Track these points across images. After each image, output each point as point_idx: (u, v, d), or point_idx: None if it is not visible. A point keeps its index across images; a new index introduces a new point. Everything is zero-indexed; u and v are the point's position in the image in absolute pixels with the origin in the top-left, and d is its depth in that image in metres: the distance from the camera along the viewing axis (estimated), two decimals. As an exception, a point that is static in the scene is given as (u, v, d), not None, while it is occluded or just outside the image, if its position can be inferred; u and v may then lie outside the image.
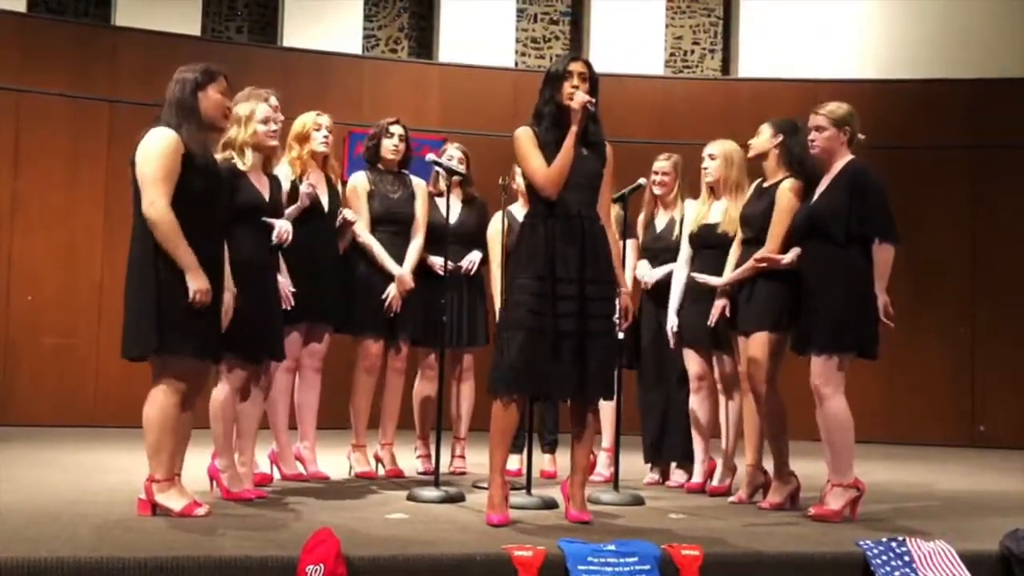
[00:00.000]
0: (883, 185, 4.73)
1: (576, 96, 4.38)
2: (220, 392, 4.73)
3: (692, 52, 11.41)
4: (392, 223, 5.87)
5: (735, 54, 11.31)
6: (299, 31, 10.38)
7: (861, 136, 4.81)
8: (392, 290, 5.76)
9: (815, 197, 4.80)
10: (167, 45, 9.51)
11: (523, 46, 11.23)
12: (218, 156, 4.73)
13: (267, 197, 4.85)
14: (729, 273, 5.23)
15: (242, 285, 4.49)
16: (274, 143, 4.90)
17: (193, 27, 10.02)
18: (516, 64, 11.04)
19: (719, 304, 5.22)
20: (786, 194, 5.04)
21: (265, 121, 4.85)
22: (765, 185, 5.24)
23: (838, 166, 4.77)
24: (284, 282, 5.17)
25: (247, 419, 4.89)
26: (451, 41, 10.78)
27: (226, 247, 4.43)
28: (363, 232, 5.80)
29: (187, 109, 4.23)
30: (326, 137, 5.62)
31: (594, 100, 4.42)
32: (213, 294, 4.17)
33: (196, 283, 4.07)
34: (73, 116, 9.26)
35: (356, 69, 10.31)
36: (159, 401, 4.14)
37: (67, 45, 9.36)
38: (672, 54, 11.37)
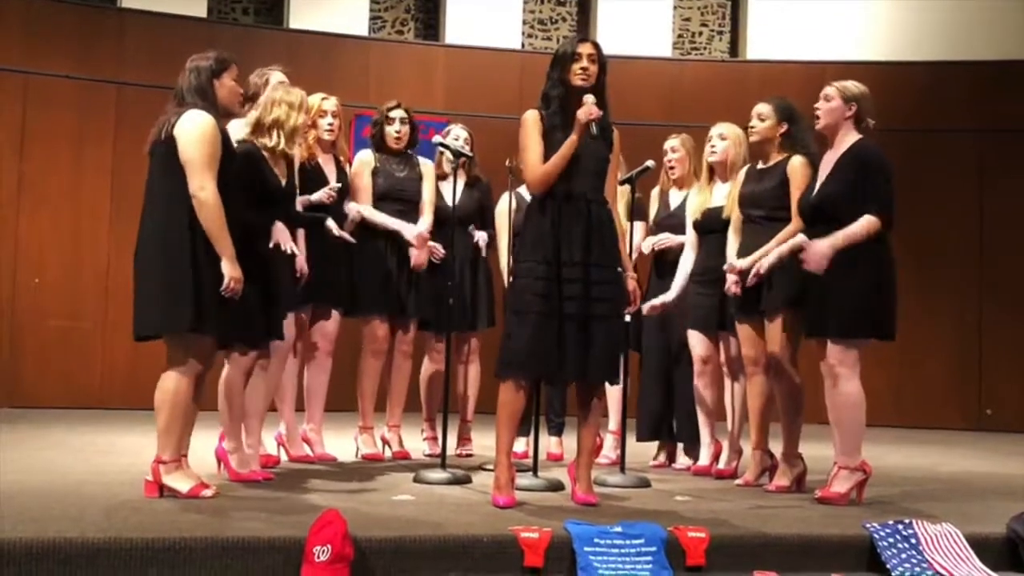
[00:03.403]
0: (890, 167, 4.67)
1: (584, 107, 4.34)
2: (230, 375, 4.74)
3: (700, 34, 11.37)
4: (396, 201, 5.84)
5: (743, 36, 11.27)
6: (305, 13, 10.36)
7: (871, 121, 4.76)
8: (415, 252, 5.74)
9: (821, 180, 4.76)
10: (173, 27, 9.51)
11: (530, 27, 11.19)
12: (251, 137, 4.75)
13: (283, 183, 4.87)
14: (734, 251, 5.20)
15: (250, 269, 4.50)
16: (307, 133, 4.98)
17: (199, 9, 10.01)
18: (523, 46, 11.01)
19: (733, 281, 5.15)
20: (800, 170, 5.01)
21: (307, 111, 4.94)
22: (763, 166, 5.20)
23: (844, 144, 4.71)
24: (300, 260, 5.16)
25: (255, 401, 4.90)
26: (458, 23, 10.74)
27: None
28: (366, 208, 5.79)
29: (206, 96, 4.26)
30: (331, 124, 5.60)
31: (602, 113, 4.37)
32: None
33: (233, 271, 4.11)
34: (79, 98, 9.26)
35: (362, 51, 10.29)
36: (173, 382, 4.16)
37: (73, 27, 9.35)
38: (680, 36, 11.33)
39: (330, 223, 5.16)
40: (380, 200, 5.83)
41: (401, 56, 10.45)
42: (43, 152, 9.15)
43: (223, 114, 4.37)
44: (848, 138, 4.72)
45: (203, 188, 4.10)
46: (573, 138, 4.35)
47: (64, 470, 5.03)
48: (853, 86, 4.76)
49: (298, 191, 5.14)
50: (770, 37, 10.96)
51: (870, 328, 4.61)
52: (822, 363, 4.68)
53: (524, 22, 11.12)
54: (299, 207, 5.18)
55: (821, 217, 4.67)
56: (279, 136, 4.77)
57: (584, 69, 4.40)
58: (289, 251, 4.78)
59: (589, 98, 4.36)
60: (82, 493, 4.25)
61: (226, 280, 4.11)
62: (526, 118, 4.45)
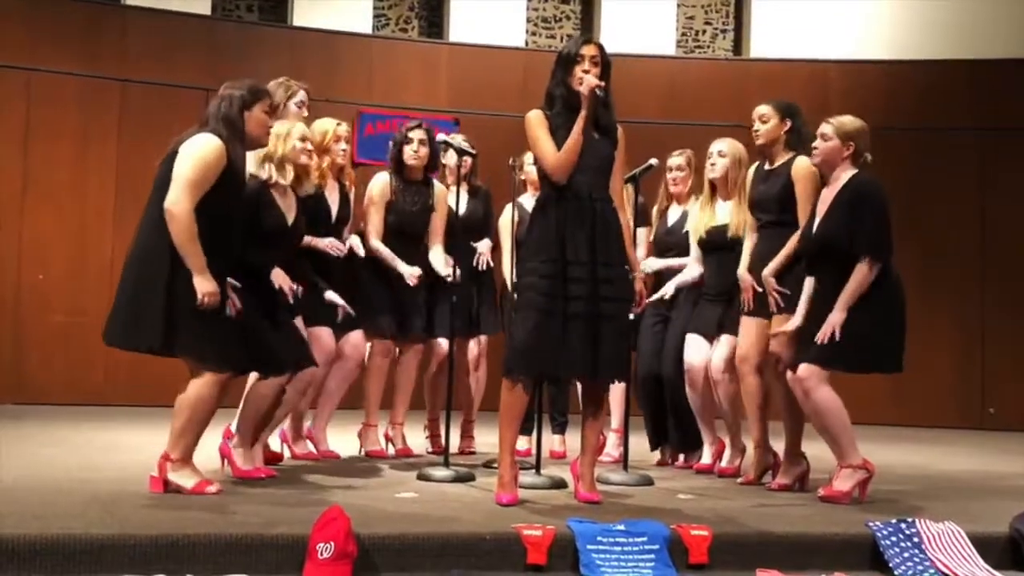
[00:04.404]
0: (884, 201, 4.65)
1: (585, 80, 4.36)
2: (264, 388, 4.73)
3: (704, 32, 11.37)
4: (402, 234, 5.83)
5: (747, 34, 11.27)
6: (309, 10, 10.37)
7: (868, 156, 4.74)
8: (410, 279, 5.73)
9: (820, 217, 4.73)
10: (177, 24, 9.52)
11: (533, 25, 11.20)
12: (251, 169, 4.73)
13: (290, 220, 4.84)
14: (746, 259, 5.20)
15: (256, 303, 4.51)
16: (306, 161, 4.90)
17: (203, 6, 10.02)
18: (526, 44, 11.01)
19: (748, 287, 5.13)
20: (805, 174, 4.99)
21: (302, 139, 4.89)
22: (770, 167, 5.18)
23: (841, 180, 4.70)
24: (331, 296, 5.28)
25: (281, 408, 4.92)
26: (461, 20, 10.75)
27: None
28: (373, 240, 5.78)
29: (234, 126, 4.25)
30: (345, 149, 5.59)
31: (603, 84, 4.39)
32: (226, 305, 4.19)
33: (204, 286, 4.06)
34: (83, 95, 9.27)
35: (366, 49, 10.29)
36: (200, 389, 4.16)
37: (77, 24, 9.36)
38: (683, 34, 11.33)
39: (330, 296, 5.29)
40: (387, 232, 5.83)
41: (405, 54, 10.44)
42: (47, 149, 9.16)
43: (250, 146, 4.39)
44: (845, 174, 4.71)
45: (177, 203, 4.08)
46: (584, 114, 4.34)
47: (68, 466, 5.04)
48: (850, 123, 4.73)
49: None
50: (773, 36, 10.95)
51: (861, 366, 4.66)
52: (789, 377, 4.69)
53: (528, 20, 11.12)
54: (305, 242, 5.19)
55: (823, 255, 4.68)
56: (270, 168, 4.77)
57: (586, 71, 4.39)
58: (289, 294, 4.76)
59: (589, 79, 4.35)
60: (86, 489, 4.25)
61: (199, 296, 4.06)
62: (530, 117, 4.45)
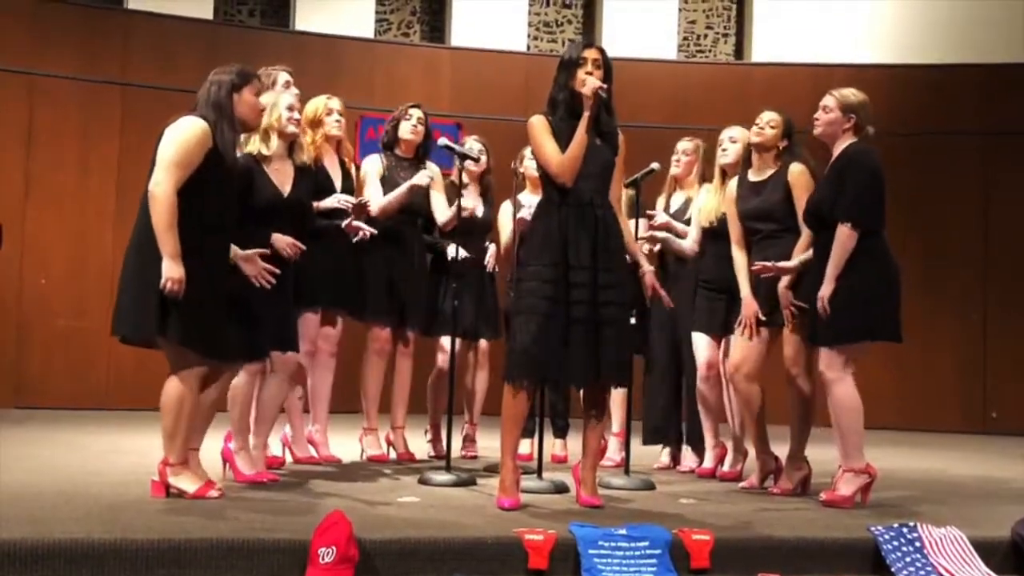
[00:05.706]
0: (875, 169, 4.64)
1: (588, 82, 4.37)
2: (238, 378, 4.74)
3: (705, 36, 11.38)
4: (400, 211, 5.79)
5: (748, 38, 11.28)
6: (311, 15, 10.38)
7: (871, 130, 4.76)
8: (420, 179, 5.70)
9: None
10: (179, 28, 9.54)
11: (535, 30, 11.21)
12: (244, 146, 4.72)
13: (286, 193, 4.82)
14: (745, 270, 5.15)
15: (249, 282, 4.50)
16: (294, 129, 4.89)
17: (205, 11, 10.03)
18: (528, 48, 11.02)
19: (752, 314, 5.06)
20: (800, 177, 5.00)
21: (290, 108, 4.88)
22: (758, 179, 5.15)
23: (838, 150, 4.73)
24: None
25: (267, 405, 4.91)
26: (463, 25, 10.76)
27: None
28: (378, 204, 5.70)
29: (223, 110, 4.25)
30: (338, 120, 5.59)
31: (606, 86, 4.40)
32: (217, 291, 4.18)
33: (172, 271, 4.01)
34: (85, 98, 9.28)
35: (368, 53, 10.30)
36: (176, 386, 4.15)
37: (79, 28, 9.38)
38: (685, 38, 11.33)
39: (346, 224, 5.25)
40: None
41: (407, 58, 10.46)
42: (49, 152, 9.17)
43: (241, 129, 4.38)
44: (844, 145, 4.73)
45: (158, 184, 4.07)
46: (587, 115, 4.35)
47: (70, 470, 5.04)
48: (852, 96, 4.75)
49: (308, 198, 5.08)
50: (775, 40, 10.96)
51: (856, 333, 4.61)
52: (815, 369, 4.71)
53: (529, 24, 11.13)
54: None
55: (820, 223, 4.68)
56: (254, 140, 4.76)
57: (589, 75, 4.40)
58: (290, 250, 4.73)
59: (592, 80, 4.37)
60: (88, 493, 4.25)
61: (163, 279, 4.00)
62: (534, 122, 4.46)
